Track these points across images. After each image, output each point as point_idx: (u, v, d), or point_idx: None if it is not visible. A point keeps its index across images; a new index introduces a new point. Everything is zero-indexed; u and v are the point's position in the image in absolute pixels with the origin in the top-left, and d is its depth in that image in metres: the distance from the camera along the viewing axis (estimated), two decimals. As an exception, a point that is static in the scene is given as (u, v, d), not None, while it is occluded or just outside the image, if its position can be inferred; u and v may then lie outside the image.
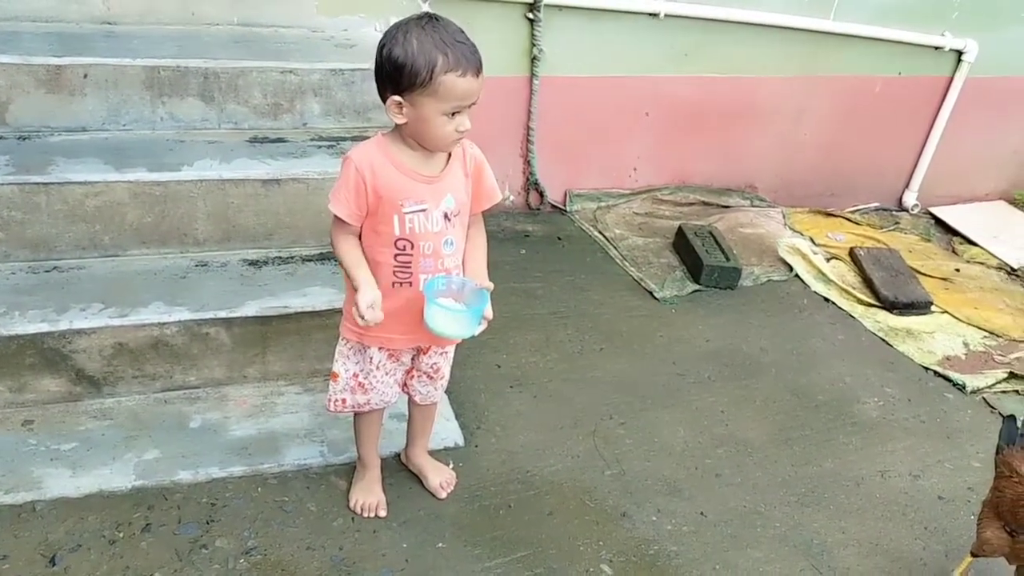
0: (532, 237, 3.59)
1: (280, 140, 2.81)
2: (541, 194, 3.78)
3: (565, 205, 3.84)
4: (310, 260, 2.64)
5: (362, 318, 1.76)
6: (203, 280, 2.48)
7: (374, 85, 1.77)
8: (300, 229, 2.67)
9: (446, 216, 1.84)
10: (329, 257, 2.64)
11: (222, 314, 2.35)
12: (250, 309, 2.38)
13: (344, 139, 2.88)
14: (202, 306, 2.35)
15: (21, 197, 2.36)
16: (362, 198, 1.76)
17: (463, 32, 1.70)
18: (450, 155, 1.84)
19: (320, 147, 2.80)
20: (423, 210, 1.80)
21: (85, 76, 2.61)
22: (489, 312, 1.86)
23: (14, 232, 2.39)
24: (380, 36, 1.73)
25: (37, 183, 2.36)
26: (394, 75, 1.67)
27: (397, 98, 1.69)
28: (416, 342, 1.97)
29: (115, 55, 2.66)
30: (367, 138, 2.89)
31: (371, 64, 1.75)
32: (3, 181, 2.33)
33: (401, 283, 1.86)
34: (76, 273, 2.41)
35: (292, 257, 2.64)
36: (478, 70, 1.68)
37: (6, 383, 2.24)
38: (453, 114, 1.69)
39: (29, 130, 2.62)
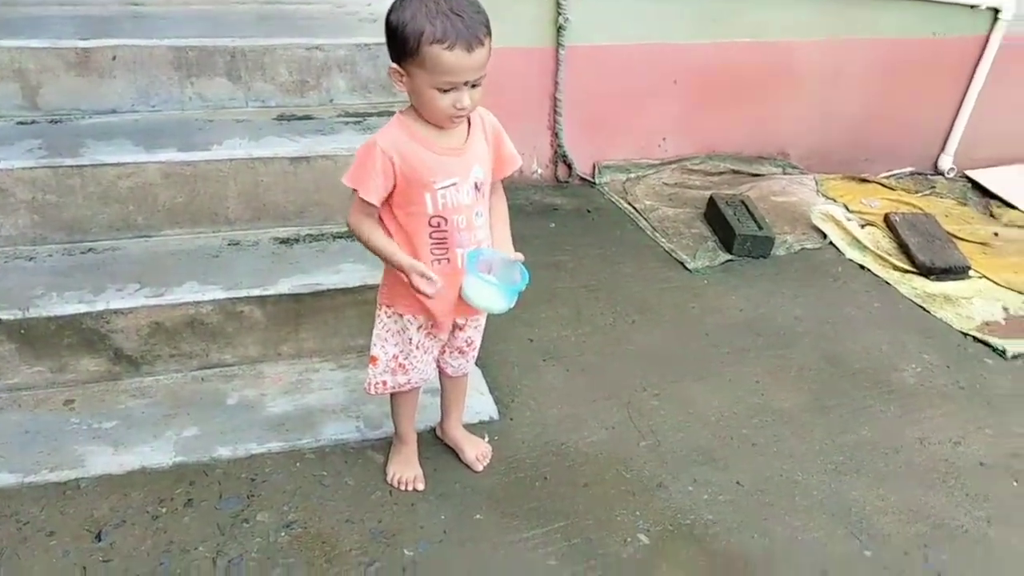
0: (561, 210, 3.57)
1: (307, 117, 2.82)
2: (569, 166, 3.75)
3: (594, 177, 3.81)
4: (341, 237, 2.64)
5: (429, 296, 1.78)
6: (236, 259, 2.50)
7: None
8: (330, 206, 2.67)
9: (476, 187, 1.83)
10: (360, 234, 2.65)
11: (256, 292, 2.37)
12: (283, 287, 2.39)
13: (371, 115, 2.88)
14: (236, 284, 2.37)
15: (55, 180, 2.39)
16: (390, 181, 1.75)
17: (474, 5, 1.63)
18: (470, 124, 1.82)
19: (347, 123, 2.80)
20: (454, 184, 1.79)
21: (113, 58, 2.63)
22: (524, 284, 1.85)
23: (49, 215, 2.43)
24: None
25: (70, 166, 2.39)
26: (390, 41, 1.65)
27: (395, 66, 1.68)
28: (456, 315, 1.97)
29: (142, 36, 2.68)
30: (394, 113, 2.93)
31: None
32: (37, 164, 2.37)
33: (439, 260, 1.85)
34: (111, 254, 2.44)
35: (323, 235, 2.65)
36: (471, 45, 1.59)
37: (47, 363, 2.28)
38: (448, 90, 1.65)
39: (60, 113, 2.65)
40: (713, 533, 2.10)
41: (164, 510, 2.02)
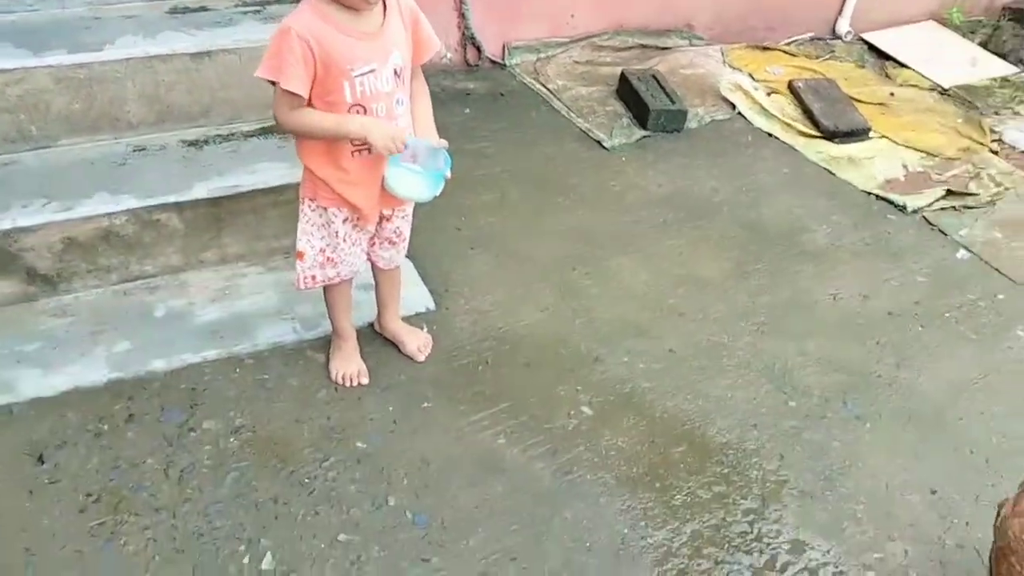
0: (474, 95, 3.51)
1: (202, 9, 2.65)
2: (478, 49, 3.66)
3: (504, 59, 3.73)
4: (252, 136, 2.54)
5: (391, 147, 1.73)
6: (144, 165, 2.38)
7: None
8: (237, 103, 2.55)
9: (396, 73, 1.78)
10: (273, 131, 2.55)
11: (171, 199, 2.28)
12: (199, 191, 2.31)
13: (271, 2, 2.75)
14: (148, 192, 2.27)
15: (-67, 91, 2.20)
16: (310, 68, 1.68)
17: None
18: (386, 8, 1.76)
19: (247, 13, 2.65)
20: (372, 71, 1.73)
21: (-23, -49, 2.39)
22: (448, 170, 1.83)
23: (-68, 130, 2.24)
24: None
25: (-53, 74, 2.20)
26: None
27: None
28: (381, 206, 1.94)
29: (7, -75, 2.44)
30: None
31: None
32: (-91, 75, 2.17)
33: (360, 150, 1.81)
34: (8, 169, 2.29)
35: (233, 134, 2.54)
36: None
37: (-46, 290, 2.16)
38: None
39: (-75, 17, 2.42)
40: (651, 399, 2.21)
41: (106, 427, 1.98)
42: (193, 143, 2.48)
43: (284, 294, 2.37)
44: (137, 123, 2.45)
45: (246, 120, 2.56)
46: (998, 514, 1.69)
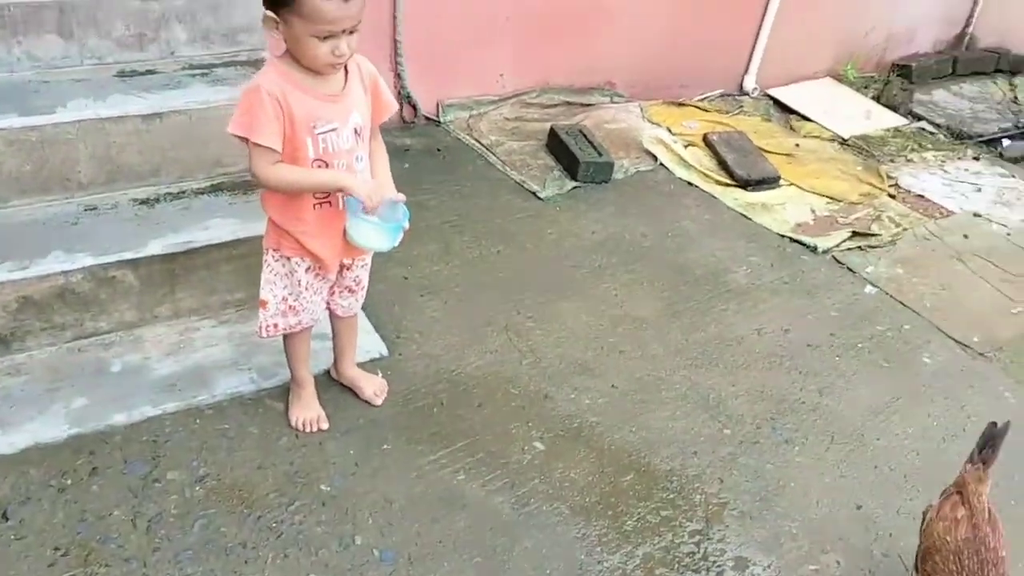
0: (412, 151, 3.65)
1: (150, 72, 2.72)
2: (414, 107, 3.81)
3: (438, 116, 3.89)
4: (203, 193, 2.61)
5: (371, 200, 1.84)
6: (96, 224, 2.42)
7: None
8: (187, 163, 2.62)
9: (356, 132, 1.90)
10: (223, 188, 2.63)
11: (126, 256, 2.32)
12: (154, 248, 2.36)
13: (216, 66, 2.82)
14: (103, 250, 2.31)
15: None
16: (281, 123, 1.79)
17: None
18: (347, 72, 1.88)
19: (194, 76, 2.73)
20: (334, 129, 1.85)
21: (-74, 18, 2.42)
22: (406, 222, 1.95)
23: None
24: None
25: (-102, 139, 2.22)
26: None
27: (271, 13, 1.71)
28: (342, 256, 2.04)
29: (-45, -7, 2.48)
30: (241, 63, 2.88)
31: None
32: None
33: (321, 203, 1.92)
34: (-41, 230, 2.30)
35: (184, 192, 2.61)
36: None
37: (-95, 351, 2.15)
38: (326, 38, 1.71)
39: None
40: (598, 432, 2.34)
41: (69, 482, 2.00)
42: (144, 201, 2.53)
43: (239, 346, 2.42)
44: (88, 183, 2.49)
45: (196, 178, 2.63)
46: (923, 519, 1.88)
